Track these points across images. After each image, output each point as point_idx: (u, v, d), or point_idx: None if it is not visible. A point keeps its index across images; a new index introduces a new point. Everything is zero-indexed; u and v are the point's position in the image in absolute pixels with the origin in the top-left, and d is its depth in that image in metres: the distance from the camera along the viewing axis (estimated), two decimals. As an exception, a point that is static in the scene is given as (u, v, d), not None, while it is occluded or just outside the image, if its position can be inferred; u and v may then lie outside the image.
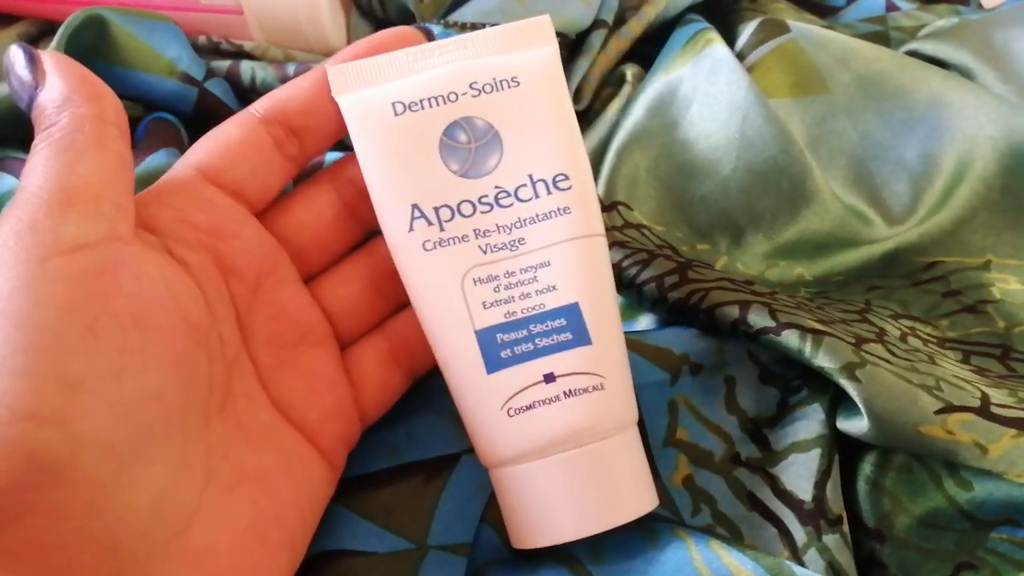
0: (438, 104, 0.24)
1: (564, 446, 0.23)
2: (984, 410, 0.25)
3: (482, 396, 0.24)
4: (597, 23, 0.40)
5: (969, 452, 0.25)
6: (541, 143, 0.24)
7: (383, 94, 0.24)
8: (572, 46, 0.40)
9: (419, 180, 0.24)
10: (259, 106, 0.25)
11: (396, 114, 0.24)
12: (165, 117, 0.34)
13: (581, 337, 0.23)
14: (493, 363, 0.23)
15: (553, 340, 0.23)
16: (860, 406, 0.25)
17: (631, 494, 0.24)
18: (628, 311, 0.33)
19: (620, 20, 0.42)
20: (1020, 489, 0.25)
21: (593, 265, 0.24)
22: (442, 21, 0.37)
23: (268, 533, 0.22)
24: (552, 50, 0.25)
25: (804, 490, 0.26)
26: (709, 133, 0.35)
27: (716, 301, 0.29)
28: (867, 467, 0.27)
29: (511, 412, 0.23)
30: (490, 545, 0.26)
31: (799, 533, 0.26)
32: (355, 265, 0.27)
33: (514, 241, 0.24)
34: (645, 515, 0.24)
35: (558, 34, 0.37)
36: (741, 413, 0.29)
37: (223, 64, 0.37)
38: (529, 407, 0.23)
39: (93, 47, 0.33)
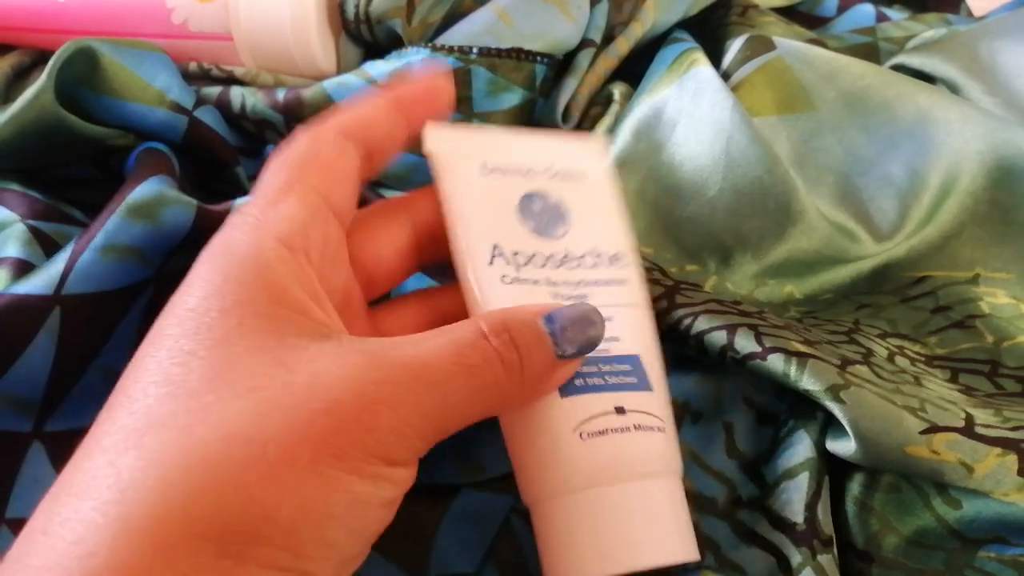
0: (519, 174, 0.27)
1: (631, 474, 0.23)
2: (969, 430, 0.25)
3: (552, 421, 0.24)
4: (584, 42, 0.40)
5: (955, 472, 0.25)
6: (601, 226, 0.28)
7: (474, 151, 0.27)
8: (559, 66, 0.40)
9: (499, 227, 0.26)
10: (346, 125, 0.24)
11: (483, 172, 0.27)
12: (156, 147, 0.34)
13: (644, 383, 0.25)
14: (567, 388, 0.24)
15: (620, 380, 0.24)
16: (847, 427, 0.26)
17: (686, 536, 0.24)
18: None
19: (608, 39, 0.42)
20: (1009, 507, 0.25)
21: (647, 329, 0.27)
22: (429, 44, 0.37)
23: None
24: (607, 162, 0.30)
25: (796, 513, 0.26)
26: (695, 155, 0.35)
27: (704, 328, 0.29)
28: (855, 488, 0.27)
29: (583, 435, 0.23)
30: None
31: (794, 556, 0.26)
32: (419, 301, 0.28)
33: (581, 296, 0.26)
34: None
35: (545, 55, 0.38)
36: (741, 456, 0.29)
37: (214, 91, 0.37)
38: (602, 432, 0.23)
39: (83, 78, 0.33)
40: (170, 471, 0.16)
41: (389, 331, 0.26)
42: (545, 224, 0.27)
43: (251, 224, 0.21)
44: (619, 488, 0.23)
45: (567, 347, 0.22)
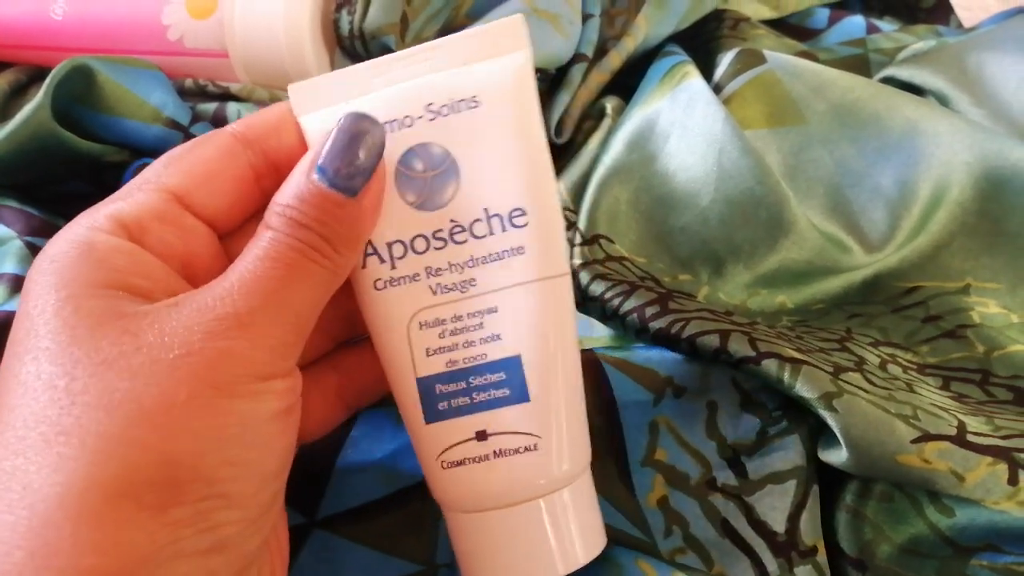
0: (394, 129, 0.22)
1: (496, 503, 0.23)
2: (960, 438, 0.26)
3: (421, 444, 0.23)
4: (577, 56, 0.41)
5: (946, 480, 0.25)
6: (498, 173, 0.23)
7: (341, 114, 0.22)
8: (553, 80, 0.40)
9: None
10: (238, 129, 0.24)
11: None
12: (151, 163, 0.34)
13: (519, 394, 0.23)
14: (431, 413, 0.23)
15: (490, 395, 0.23)
16: (838, 435, 0.26)
17: (569, 546, 0.23)
18: (616, 340, 0.33)
19: (600, 53, 0.42)
20: (1001, 515, 0.25)
21: (544, 312, 0.23)
22: (423, 60, 0.37)
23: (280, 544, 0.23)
24: (521, 58, 0.23)
25: (778, 521, 0.27)
26: (687, 166, 0.36)
27: (697, 330, 0.29)
28: (848, 496, 0.27)
29: (444, 465, 0.23)
30: None
31: (771, 564, 0.26)
32: None
33: (465, 282, 0.23)
34: (610, 544, 0.24)
35: (539, 70, 0.38)
36: (720, 439, 0.29)
37: (210, 107, 0.37)
38: (460, 463, 0.23)
39: (80, 95, 0.34)
40: (66, 451, 0.17)
41: None
42: (430, 189, 0.22)
43: (81, 222, 0.21)
44: (483, 516, 0.23)
45: (353, 182, 0.21)
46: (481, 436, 0.23)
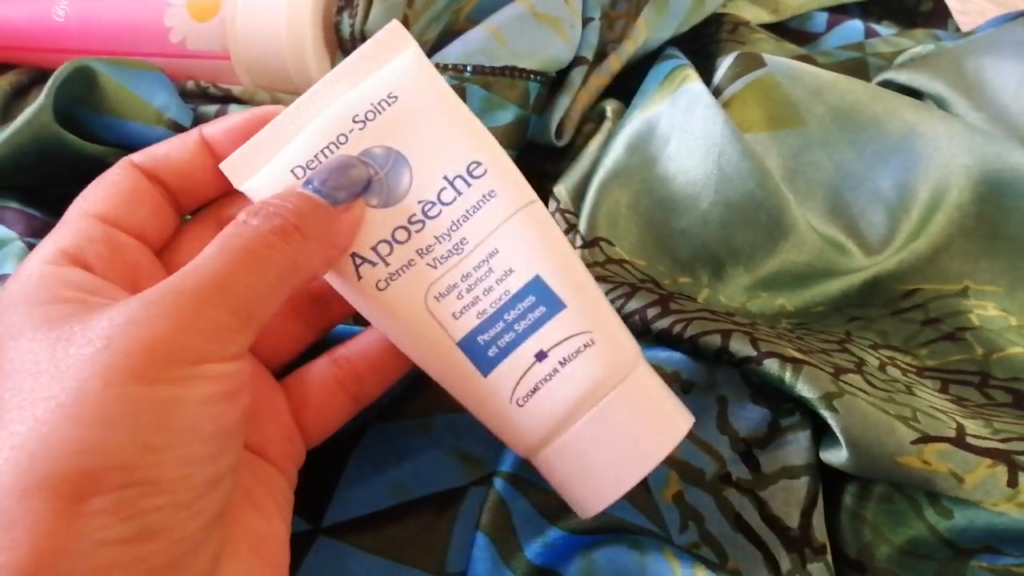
0: (333, 151, 0.24)
1: (582, 410, 0.23)
2: (960, 440, 0.26)
3: (488, 399, 0.24)
4: (577, 60, 0.41)
5: (945, 482, 0.25)
6: (442, 143, 0.24)
7: (280, 166, 0.24)
8: (553, 83, 0.40)
9: None
10: (137, 159, 0.25)
11: (298, 179, 0.24)
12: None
13: (555, 305, 0.24)
14: (485, 364, 0.23)
15: (529, 319, 0.24)
16: (838, 435, 0.26)
17: (665, 422, 0.24)
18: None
19: (600, 56, 0.42)
20: (1000, 517, 0.26)
21: (537, 232, 0.24)
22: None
23: (268, 550, 0.23)
24: (411, 51, 0.25)
25: (791, 517, 0.27)
26: (687, 169, 0.36)
27: (699, 331, 0.29)
28: (848, 498, 0.27)
29: (520, 402, 0.23)
30: (488, 558, 0.27)
31: (784, 560, 0.26)
32: None
33: (457, 244, 0.24)
34: (637, 533, 0.24)
35: (539, 73, 0.38)
36: (732, 433, 0.29)
37: (211, 109, 0.37)
38: (534, 390, 0.23)
39: (82, 97, 0.34)
40: None
41: None
42: (387, 186, 0.24)
43: (32, 258, 0.22)
44: (579, 426, 0.23)
45: (337, 194, 0.23)
46: (540, 356, 0.23)
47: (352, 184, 0.23)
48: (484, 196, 0.24)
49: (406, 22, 0.39)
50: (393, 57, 0.25)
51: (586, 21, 0.42)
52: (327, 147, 0.24)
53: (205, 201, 0.27)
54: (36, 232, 0.33)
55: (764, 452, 0.29)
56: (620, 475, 0.23)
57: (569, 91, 0.40)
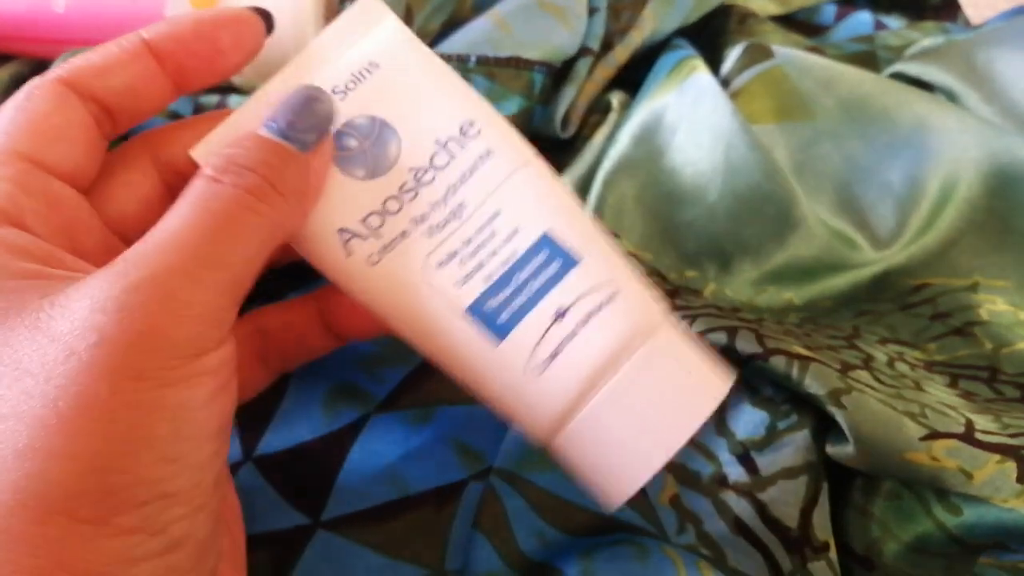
0: None
1: (611, 368, 0.21)
2: (968, 436, 0.25)
3: (502, 369, 0.22)
4: (583, 50, 0.40)
5: (954, 478, 0.25)
6: (430, 105, 0.23)
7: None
8: (558, 74, 0.40)
9: (331, 204, 0.22)
10: (68, 75, 0.21)
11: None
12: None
13: (569, 260, 0.22)
14: (498, 329, 0.22)
15: (543, 278, 0.22)
16: (846, 432, 0.26)
17: (703, 381, 0.22)
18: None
19: (606, 47, 0.42)
20: (1009, 513, 0.25)
21: (541, 189, 0.23)
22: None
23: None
24: (391, 21, 0.24)
25: (790, 517, 0.27)
26: (694, 161, 0.36)
27: (704, 327, 0.29)
28: (855, 494, 0.27)
29: (542, 366, 0.21)
30: (485, 555, 0.26)
31: (784, 561, 0.26)
32: None
33: (455, 210, 0.22)
34: (637, 532, 0.24)
35: (544, 63, 0.38)
36: (730, 436, 0.29)
37: (212, 99, 0.37)
38: (556, 352, 0.21)
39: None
40: None
41: None
42: (374, 157, 0.22)
43: None
44: (604, 393, 0.21)
45: (305, 136, 0.20)
46: (560, 314, 0.22)
47: (320, 121, 0.21)
48: (480, 156, 0.23)
49: (409, 12, 0.38)
50: (370, 29, 0.24)
51: (592, 11, 0.41)
52: None
53: (141, 122, 0.23)
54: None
55: (762, 455, 0.28)
56: (654, 445, 0.21)
57: (575, 82, 0.40)
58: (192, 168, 0.21)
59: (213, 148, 0.22)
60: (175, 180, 0.23)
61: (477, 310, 0.22)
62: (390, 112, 0.23)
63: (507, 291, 0.22)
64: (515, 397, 0.22)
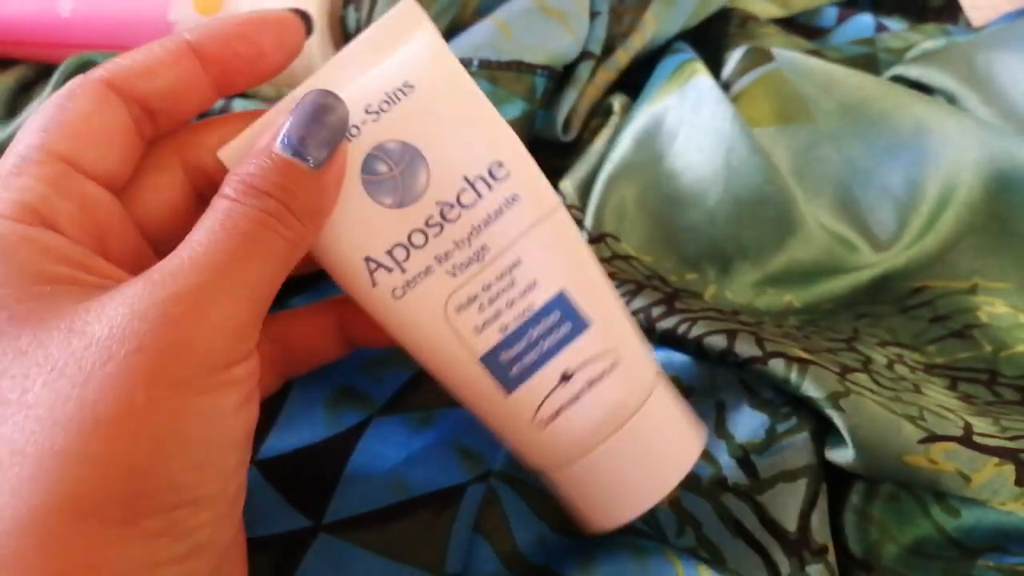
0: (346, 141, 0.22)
1: (606, 431, 0.23)
2: (967, 439, 0.26)
3: (509, 418, 0.23)
4: (584, 54, 0.41)
5: (952, 481, 0.25)
6: (461, 140, 0.22)
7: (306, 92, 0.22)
8: (560, 78, 0.40)
9: (359, 231, 0.22)
10: (111, 76, 0.21)
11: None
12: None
13: (580, 323, 0.23)
14: (509, 383, 0.22)
15: (554, 338, 0.23)
16: (845, 435, 0.26)
17: (683, 443, 0.24)
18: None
19: (607, 50, 0.42)
20: (1007, 516, 0.25)
21: (562, 243, 0.23)
22: (431, 57, 0.37)
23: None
24: (429, 35, 0.23)
25: (789, 520, 0.27)
26: (695, 164, 0.36)
27: (704, 331, 0.29)
28: (854, 497, 0.27)
29: (541, 424, 0.23)
30: (485, 558, 0.26)
31: (783, 564, 0.26)
32: None
33: (478, 252, 0.22)
34: (637, 535, 0.24)
35: (545, 67, 0.38)
36: (730, 439, 0.29)
37: (216, 104, 0.37)
38: (556, 414, 0.23)
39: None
40: (23, 472, 0.16)
41: None
42: (403, 185, 0.22)
43: None
44: (600, 450, 0.23)
45: (318, 152, 0.20)
46: (565, 377, 0.23)
47: (332, 135, 0.20)
48: (507, 200, 0.22)
49: (412, 16, 0.38)
50: (407, 40, 0.23)
51: (594, 15, 0.42)
52: None
53: (181, 124, 0.23)
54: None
55: (761, 458, 0.28)
56: (637, 497, 0.23)
57: (576, 86, 0.40)
58: (219, 171, 0.22)
59: (241, 152, 0.22)
60: (202, 181, 0.24)
61: (491, 361, 0.22)
62: (421, 140, 0.22)
63: (520, 346, 0.22)
64: (520, 443, 0.23)
